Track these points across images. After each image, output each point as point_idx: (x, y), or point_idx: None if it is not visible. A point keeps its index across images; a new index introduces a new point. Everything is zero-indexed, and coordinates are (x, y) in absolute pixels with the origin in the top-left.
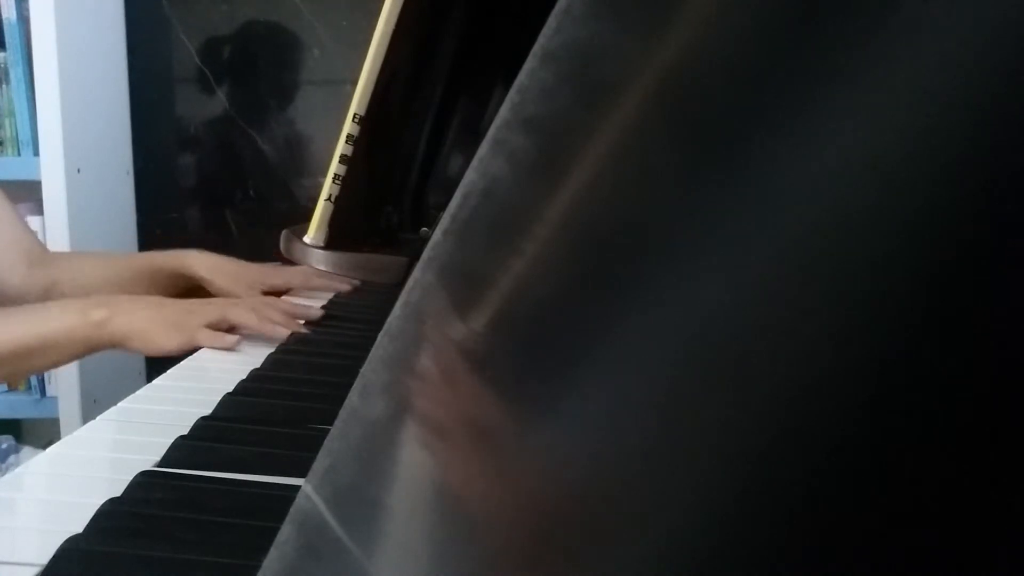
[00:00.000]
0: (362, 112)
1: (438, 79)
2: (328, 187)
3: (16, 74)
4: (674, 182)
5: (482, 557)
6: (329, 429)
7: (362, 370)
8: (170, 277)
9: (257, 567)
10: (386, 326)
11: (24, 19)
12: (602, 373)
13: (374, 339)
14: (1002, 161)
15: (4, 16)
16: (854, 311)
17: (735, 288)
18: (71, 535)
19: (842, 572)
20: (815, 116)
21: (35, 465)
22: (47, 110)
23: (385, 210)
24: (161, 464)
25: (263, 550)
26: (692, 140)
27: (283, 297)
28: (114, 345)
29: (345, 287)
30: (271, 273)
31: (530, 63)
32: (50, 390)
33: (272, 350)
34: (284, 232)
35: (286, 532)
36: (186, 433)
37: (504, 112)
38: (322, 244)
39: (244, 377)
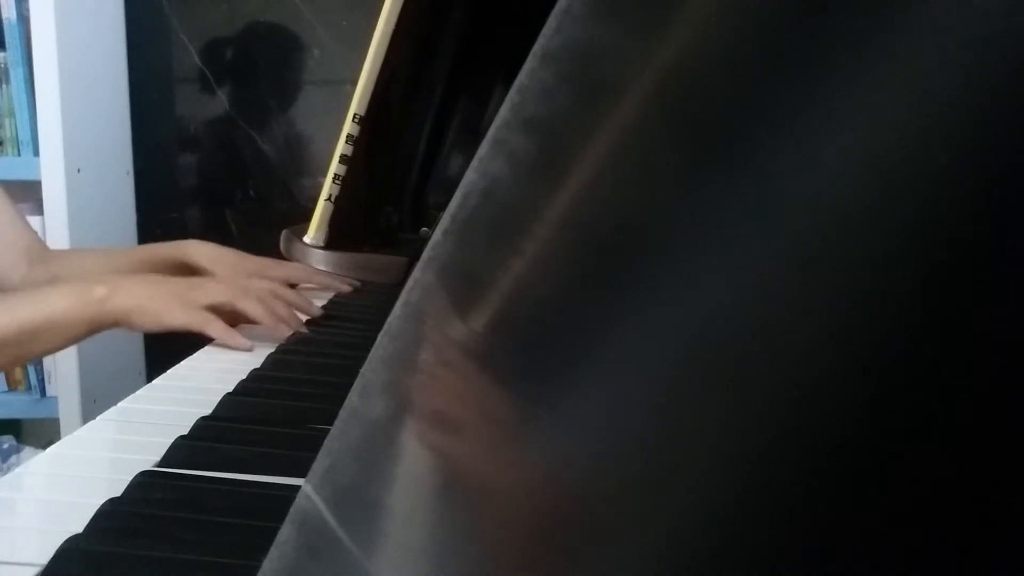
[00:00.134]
0: (362, 112)
1: (438, 79)
2: (328, 187)
3: (16, 74)
4: (674, 182)
5: (482, 557)
6: (329, 429)
7: (362, 370)
8: (171, 268)
9: (257, 567)
10: (386, 326)
11: (24, 19)
12: (602, 373)
13: (374, 339)
14: (1002, 161)
15: (4, 16)
16: (854, 311)
17: (735, 288)
18: (71, 535)
19: (842, 572)
20: (815, 116)
21: (35, 465)
22: (47, 110)
23: (385, 210)
24: (161, 464)
25: (263, 550)
26: (692, 140)
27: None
28: (117, 322)
29: (345, 287)
30: (272, 266)
31: (530, 63)
32: (50, 390)
33: (272, 350)
34: (284, 232)
35: (286, 532)
36: (186, 433)
37: (504, 112)
38: (322, 244)
39: (244, 377)
